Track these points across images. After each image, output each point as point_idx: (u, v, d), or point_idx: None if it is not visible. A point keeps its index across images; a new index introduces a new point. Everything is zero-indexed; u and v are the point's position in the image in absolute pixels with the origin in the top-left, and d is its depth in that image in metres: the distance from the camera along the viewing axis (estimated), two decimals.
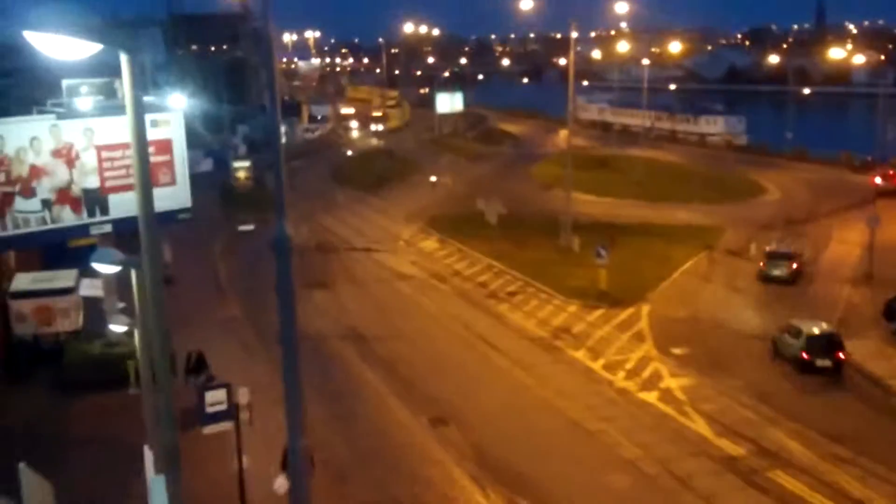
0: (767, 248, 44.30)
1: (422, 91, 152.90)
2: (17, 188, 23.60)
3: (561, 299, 39.78)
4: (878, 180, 61.96)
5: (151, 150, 19.96)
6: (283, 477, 18.15)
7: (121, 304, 28.24)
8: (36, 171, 23.75)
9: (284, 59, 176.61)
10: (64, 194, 24.30)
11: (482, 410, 27.81)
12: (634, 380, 30.39)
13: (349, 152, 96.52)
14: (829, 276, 43.32)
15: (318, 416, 25.14)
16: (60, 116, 24.55)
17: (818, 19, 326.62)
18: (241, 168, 70.66)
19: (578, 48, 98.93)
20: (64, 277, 31.72)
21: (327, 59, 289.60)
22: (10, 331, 30.46)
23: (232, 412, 18.81)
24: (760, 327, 35.18)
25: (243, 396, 19.12)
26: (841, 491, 22.60)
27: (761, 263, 42.75)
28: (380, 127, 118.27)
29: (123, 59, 10.22)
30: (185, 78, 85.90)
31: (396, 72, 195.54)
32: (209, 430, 19.04)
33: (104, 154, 24.59)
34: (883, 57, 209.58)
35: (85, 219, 24.80)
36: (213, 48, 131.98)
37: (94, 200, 24.80)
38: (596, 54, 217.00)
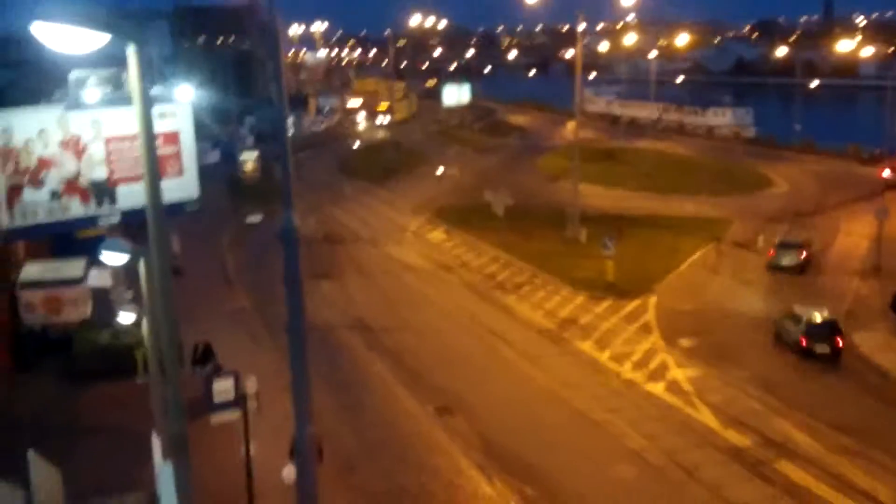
0: (777, 239, 44.41)
1: (429, 83, 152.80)
2: (26, 179, 23.67)
3: (568, 291, 39.79)
4: (886, 173, 61.72)
5: (159, 141, 20.06)
6: (291, 466, 18.22)
7: (129, 295, 28.40)
8: (44, 163, 23.82)
9: (291, 52, 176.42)
10: (72, 185, 24.37)
11: (489, 401, 27.89)
12: (641, 371, 30.42)
13: (356, 144, 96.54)
14: (837, 268, 43.26)
15: (325, 406, 25.22)
16: (68, 108, 24.59)
17: (826, 12, 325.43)
18: (249, 160, 70.81)
19: (586, 41, 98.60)
20: (73, 268, 31.84)
21: (334, 52, 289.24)
22: (19, 320, 30.61)
23: (240, 401, 18.87)
24: (768, 318, 35.15)
25: (251, 385, 19.17)
26: (847, 482, 22.62)
27: (770, 252, 42.84)
28: (387, 119, 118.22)
29: (131, 50, 10.24)
30: (192, 70, 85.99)
31: (403, 64, 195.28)
32: (217, 419, 19.09)
33: (112, 145, 24.64)
34: (891, 49, 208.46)
35: (93, 210, 24.87)
36: (219, 40, 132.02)
37: (103, 191, 24.85)
38: (603, 47, 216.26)
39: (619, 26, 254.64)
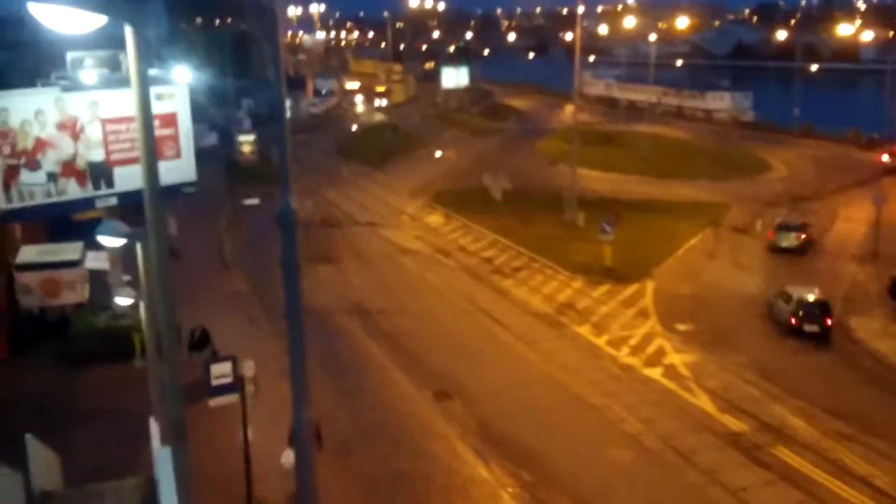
0: (777, 220, 44.62)
1: (427, 66, 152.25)
2: (23, 161, 23.55)
3: (566, 275, 39.79)
4: (885, 158, 61.68)
5: (156, 123, 19.95)
6: (290, 450, 18.23)
7: (126, 277, 28.32)
8: (41, 144, 23.70)
9: (289, 33, 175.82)
10: (69, 167, 24.26)
11: (486, 385, 27.91)
12: (638, 355, 30.46)
13: (354, 127, 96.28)
14: (834, 253, 43.30)
15: (322, 390, 25.23)
16: (65, 89, 24.45)
17: None
18: (246, 142, 70.51)
19: (585, 23, 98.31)
20: (70, 250, 31.74)
21: (332, 33, 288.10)
22: (16, 303, 30.54)
23: (237, 385, 18.86)
24: (765, 303, 35.17)
25: (249, 369, 19.14)
26: (844, 467, 22.69)
27: (769, 233, 43.06)
28: (384, 101, 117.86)
29: (128, 31, 10.15)
30: (190, 52, 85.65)
31: (402, 46, 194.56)
32: (215, 402, 19.08)
33: (109, 127, 24.51)
34: (891, 33, 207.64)
35: (90, 192, 24.78)
36: (217, 22, 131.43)
37: (100, 173, 24.75)
38: (602, 29, 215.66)
39: (618, 8, 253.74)
